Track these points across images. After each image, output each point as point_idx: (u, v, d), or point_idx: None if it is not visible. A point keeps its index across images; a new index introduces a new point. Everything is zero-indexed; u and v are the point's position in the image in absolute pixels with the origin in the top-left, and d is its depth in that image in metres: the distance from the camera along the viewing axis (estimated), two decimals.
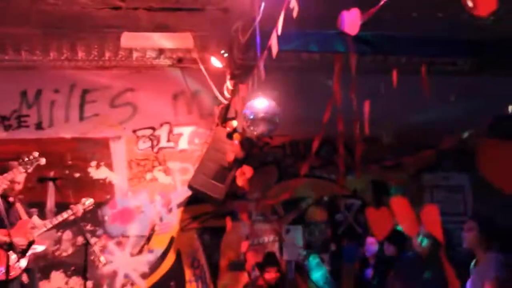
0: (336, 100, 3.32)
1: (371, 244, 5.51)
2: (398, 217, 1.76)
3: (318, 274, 6.44)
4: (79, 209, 5.01)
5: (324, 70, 5.47)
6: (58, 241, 6.02)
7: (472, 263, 3.85)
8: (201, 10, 4.75)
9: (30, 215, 5.02)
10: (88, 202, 5.17)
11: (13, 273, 4.30)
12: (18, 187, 4.77)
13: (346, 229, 6.57)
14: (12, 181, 4.53)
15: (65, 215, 4.88)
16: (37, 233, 4.79)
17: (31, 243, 4.72)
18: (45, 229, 4.87)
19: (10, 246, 3.67)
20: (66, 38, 5.61)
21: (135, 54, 6.16)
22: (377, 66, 6.23)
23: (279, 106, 4.46)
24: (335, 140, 3.74)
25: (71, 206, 4.98)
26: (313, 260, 6.45)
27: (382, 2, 1.96)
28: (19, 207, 4.95)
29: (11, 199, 4.83)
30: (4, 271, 4.23)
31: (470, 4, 1.63)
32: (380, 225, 1.91)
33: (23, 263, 4.64)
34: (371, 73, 5.25)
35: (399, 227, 1.93)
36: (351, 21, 2.12)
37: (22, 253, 4.64)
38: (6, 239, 4.33)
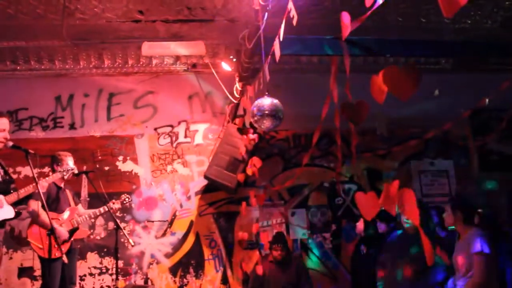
0: (333, 98, 3.33)
1: (359, 225, 5.57)
2: (382, 199, 1.74)
3: (320, 250, 6.45)
4: (117, 206, 5.10)
5: (322, 71, 5.72)
6: (93, 226, 6.11)
7: (456, 238, 3.86)
8: (212, 21, 4.80)
9: (76, 203, 5.06)
10: (126, 200, 5.22)
11: (56, 254, 4.33)
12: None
13: (344, 211, 6.55)
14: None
15: (106, 208, 4.87)
16: (80, 220, 4.83)
17: (75, 229, 4.77)
18: (87, 218, 4.89)
19: (52, 231, 3.67)
20: (93, 49, 5.70)
21: (154, 61, 6.22)
22: (369, 66, 6.24)
23: (282, 104, 4.56)
24: (332, 133, 3.68)
25: (112, 201, 5.03)
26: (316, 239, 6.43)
27: (370, 11, 1.96)
28: (68, 193, 4.98)
29: (61, 185, 4.87)
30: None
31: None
32: (368, 207, 1.90)
33: (67, 246, 4.67)
34: (364, 73, 5.24)
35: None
36: (345, 25, 2.10)
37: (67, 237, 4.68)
38: (54, 223, 4.34)
